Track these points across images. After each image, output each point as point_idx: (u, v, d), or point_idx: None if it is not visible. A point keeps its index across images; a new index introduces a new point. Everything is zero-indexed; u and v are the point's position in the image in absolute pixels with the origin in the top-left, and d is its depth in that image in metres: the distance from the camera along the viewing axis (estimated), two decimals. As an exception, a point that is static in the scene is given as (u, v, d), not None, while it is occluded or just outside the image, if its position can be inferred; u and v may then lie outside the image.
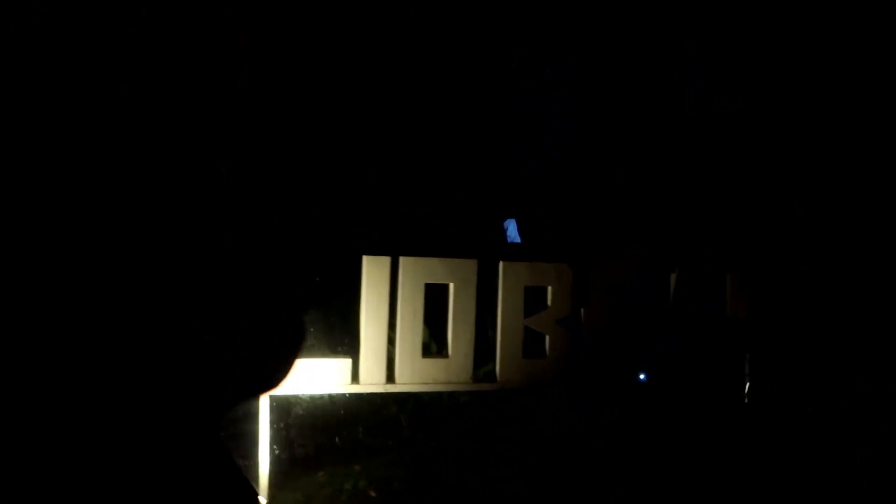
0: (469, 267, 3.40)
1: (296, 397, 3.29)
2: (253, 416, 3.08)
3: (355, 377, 3.22)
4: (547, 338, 3.52)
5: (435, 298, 3.39)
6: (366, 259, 3.21)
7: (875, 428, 3.61)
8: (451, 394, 3.72)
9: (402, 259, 3.27)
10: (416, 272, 3.30)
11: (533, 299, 3.52)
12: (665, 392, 3.63)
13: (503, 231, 4.40)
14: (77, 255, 1.04)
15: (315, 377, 3.15)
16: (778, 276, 3.76)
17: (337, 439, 3.64)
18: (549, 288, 3.52)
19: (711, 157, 4.12)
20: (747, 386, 3.73)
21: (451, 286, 3.39)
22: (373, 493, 3.31)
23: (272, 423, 3.13)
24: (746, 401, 3.71)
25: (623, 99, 4.24)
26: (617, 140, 4.21)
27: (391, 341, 3.26)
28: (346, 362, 3.22)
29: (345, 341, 3.38)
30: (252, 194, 1.20)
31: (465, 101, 4.34)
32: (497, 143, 4.38)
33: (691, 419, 3.60)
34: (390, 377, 3.28)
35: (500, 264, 3.46)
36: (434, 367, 3.37)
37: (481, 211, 4.33)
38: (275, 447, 3.20)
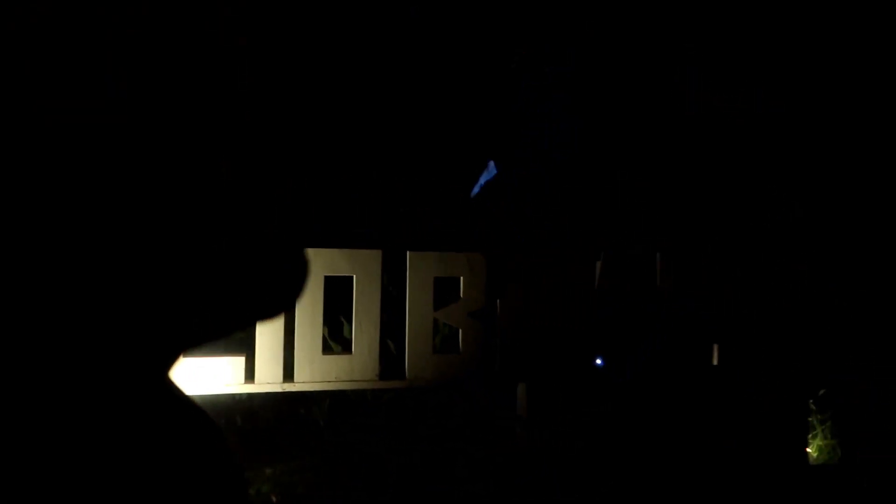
0: (373, 258, 3.23)
1: (200, 395, 2.98)
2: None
3: (250, 376, 3.03)
4: (460, 332, 3.37)
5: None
6: None
7: (875, 428, 3.61)
8: (374, 391, 3.50)
9: None
10: (315, 264, 3.11)
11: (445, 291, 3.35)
12: (652, 392, 3.61)
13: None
14: (75, 256, 1.04)
15: (205, 376, 2.94)
16: (778, 276, 3.76)
17: (241, 441, 3.42)
18: (462, 279, 3.37)
19: (711, 157, 4.12)
20: (746, 385, 3.73)
21: (354, 279, 3.22)
22: (275, 498, 3.16)
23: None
24: (745, 400, 3.71)
25: (623, 99, 4.24)
26: (617, 140, 4.20)
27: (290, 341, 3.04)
28: (240, 360, 3.03)
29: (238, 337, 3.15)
30: (252, 194, 1.20)
31: (465, 100, 4.34)
32: (497, 143, 4.38)
33: (683, 420, 3.59)
34: (288, 376, 3.08)
35: (408, 254, 3.32)
36: (336, 364, 3.17)
37: (481, 210, 4.33)
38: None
